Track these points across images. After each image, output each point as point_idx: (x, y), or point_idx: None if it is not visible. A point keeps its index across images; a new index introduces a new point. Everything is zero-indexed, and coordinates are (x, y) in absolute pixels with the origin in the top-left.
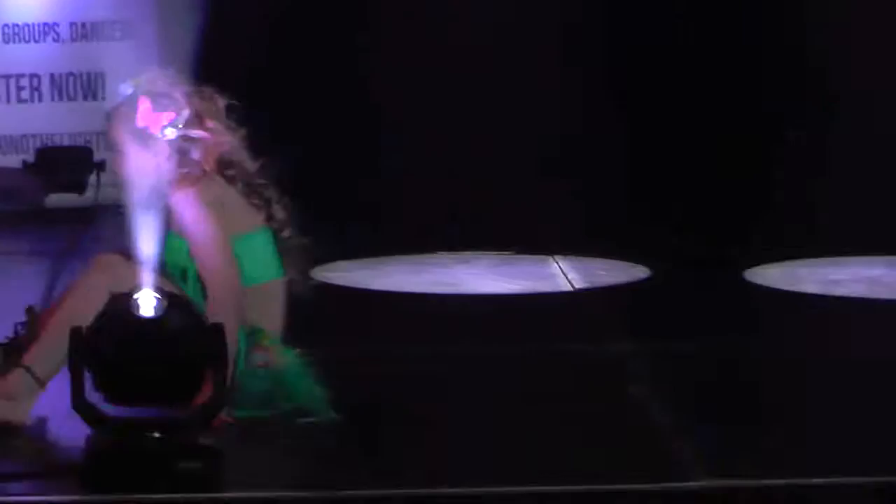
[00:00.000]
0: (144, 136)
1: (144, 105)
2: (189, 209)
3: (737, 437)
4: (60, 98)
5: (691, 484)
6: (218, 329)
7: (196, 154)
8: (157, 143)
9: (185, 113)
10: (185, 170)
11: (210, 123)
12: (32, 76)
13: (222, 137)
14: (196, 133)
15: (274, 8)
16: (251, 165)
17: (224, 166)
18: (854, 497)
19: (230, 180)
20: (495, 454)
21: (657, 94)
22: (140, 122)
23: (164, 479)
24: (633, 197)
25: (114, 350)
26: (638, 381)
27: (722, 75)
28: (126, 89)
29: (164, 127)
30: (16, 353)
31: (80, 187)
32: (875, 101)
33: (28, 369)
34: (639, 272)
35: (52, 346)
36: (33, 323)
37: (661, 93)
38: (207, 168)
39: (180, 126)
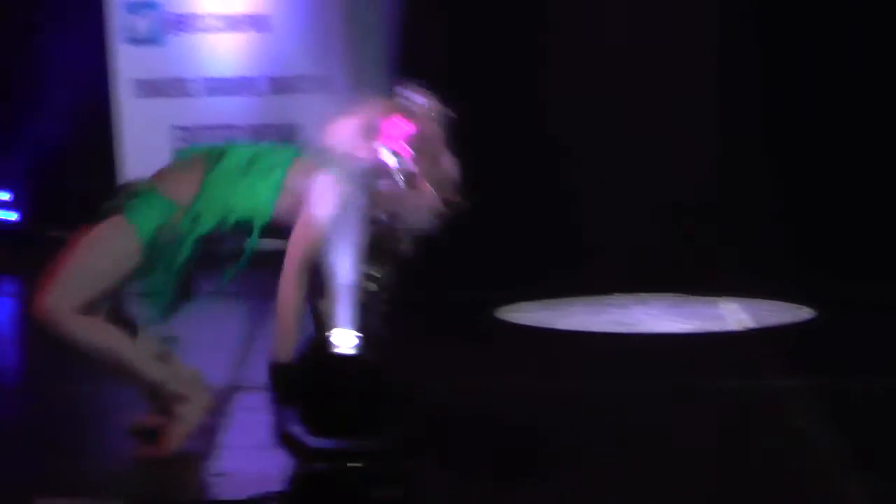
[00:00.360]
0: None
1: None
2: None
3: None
4: None
5: None
6: (403, 364)
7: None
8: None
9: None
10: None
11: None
12: (234, 126)
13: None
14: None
15: (460, 61)
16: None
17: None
18: None
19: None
20: (675, 484)
21: (821, 136)
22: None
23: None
24: (799, 240)
25: (316, 387)
26: (803, 416)
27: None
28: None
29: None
30: None
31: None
32: None
33: None
34: (804, 313)
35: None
36: None
37: (826, 135)
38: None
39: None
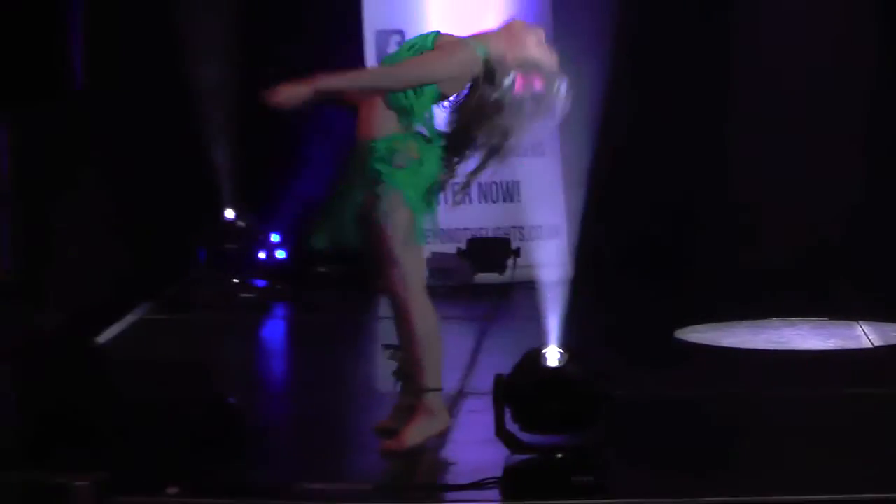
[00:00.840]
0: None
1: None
2: None
3: None
4: (486, 200)
5: None
6: (602, 377)
7: None
8: None
9: None
10: None
11: None
12: (465, 184)
13: None
14: None
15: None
16: None
17: None
18: None
19: None
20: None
21: None
22: None
23: (565, 490)
24: None
25: (530, 390)
26: None
27: None
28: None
29: None
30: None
31: (500, 268)
32: None
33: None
34: None
35: None
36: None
37: None
38: None
39: None
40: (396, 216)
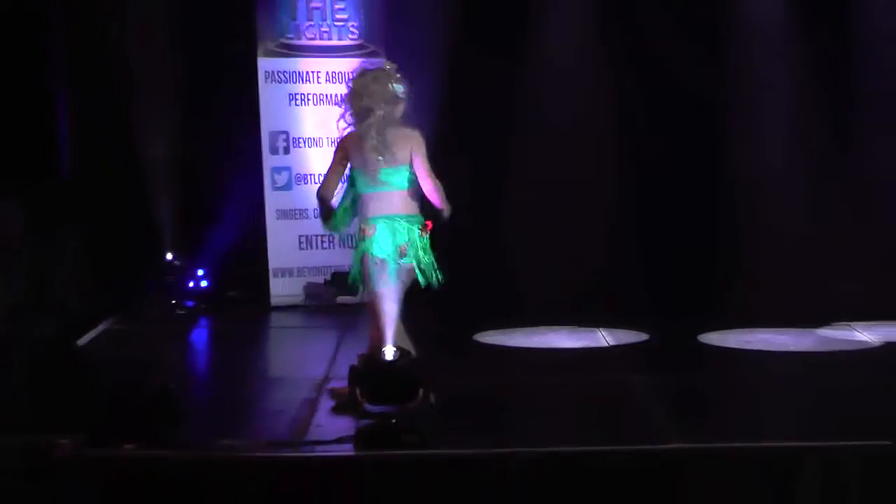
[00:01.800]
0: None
1: None
2: None
3: None
4: (343, 246)
5: None
6: (420, 365)
7: None
8: None
9: None
10: None
11: None
12: None
13: None
14: None
15: None
16: None
17: None
18: None
19: None
20: None
21: None
22: None
23: (397, 444)
24: None
25: (371, 376)
26: None
27: None
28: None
29: None
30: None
31: (354, 293)
32: None
33: None
34: None
35: None
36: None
37: None
38: None
39: None
40: None
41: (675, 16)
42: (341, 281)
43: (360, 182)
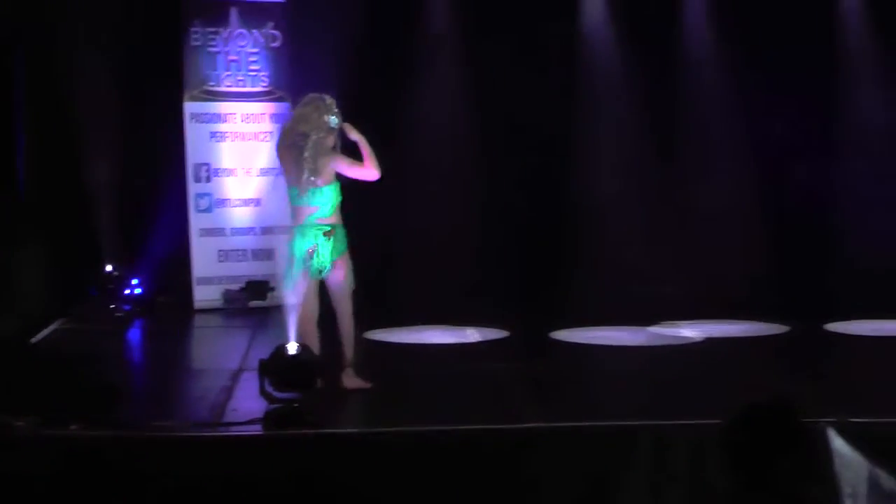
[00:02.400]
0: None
1: None
2: None
3: None
4: (256, 259)
5: None
6: (322, 360)
7: None
8: None
9: None
10: None
11: None
12: None
13: None
14: None
15: None
16: None
17: None
18: None
19: None
20: None
21: None
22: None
23: (300, 424)
24: None
25: (277, 367)
26: None
27: None
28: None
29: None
30: None
31: (263, 298)
32: None
33: None
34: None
35: None
36: None
37: None
38: None
39: None
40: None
41: (533, 60)
42: (254, 288)
43: (292, 195)
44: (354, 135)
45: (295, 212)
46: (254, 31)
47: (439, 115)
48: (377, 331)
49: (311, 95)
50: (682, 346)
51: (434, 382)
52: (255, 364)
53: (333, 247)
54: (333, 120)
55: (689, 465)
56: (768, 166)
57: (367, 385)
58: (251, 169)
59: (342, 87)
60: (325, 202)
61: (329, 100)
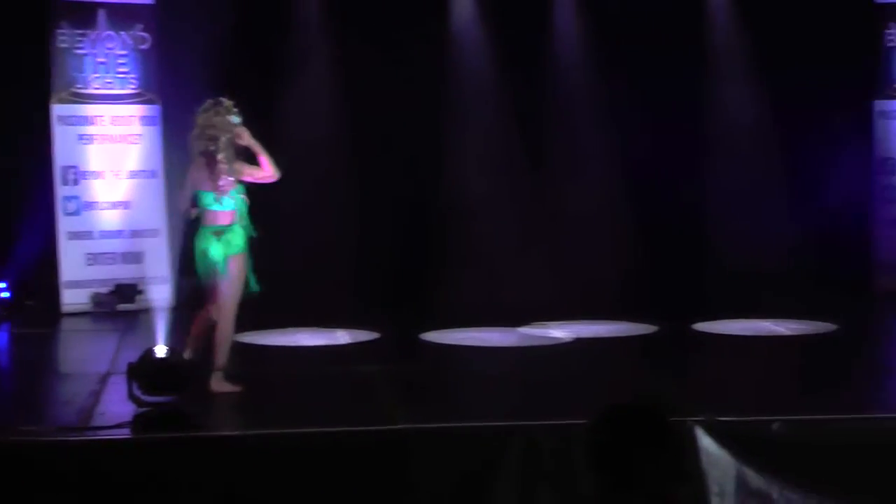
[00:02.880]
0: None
1: None
2: None
3: None
4: (126, 262)
5: None
6: (192, 363)
7: None
8: None
9: None
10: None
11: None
12: None
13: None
14: None
15: None
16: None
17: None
18: None
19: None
20: None
21: None
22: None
23: (172, 426)
24: None
25: (146, 371)
26: None
27: None
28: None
29: None
30: None
31: (132, 301)
32: None
33: None
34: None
35: None
36: None
37: None
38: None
39: None
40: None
41: (403, 61)
42: (123, 291)
43: (207, 200)
44: (247, 139)
45: (210, 216)
46: (122, 32)
47: (310, 117)
48: (248, 333)
49: (209, 101)
50: (551, 346)
51: (305, 384)
52: (124, 368)
53: (225, 247)
54: (235, 119)
55: (558, 465)
56: (638, 168)
57: (236, 389)
58: (120, 172)
59: (212, 88)
60: (235, 204)
61: (227, 102)
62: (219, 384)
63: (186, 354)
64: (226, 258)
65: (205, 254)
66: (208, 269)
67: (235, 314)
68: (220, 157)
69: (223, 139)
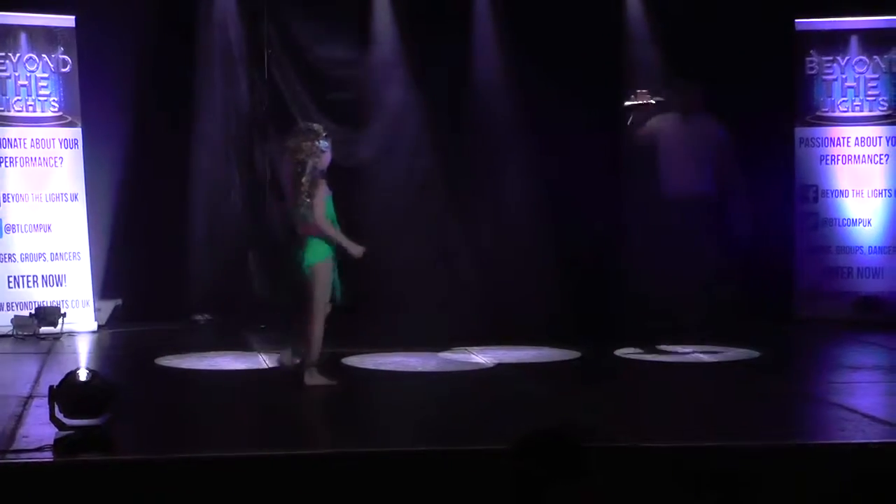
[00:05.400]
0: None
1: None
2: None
3: None
4: (46, 286)
5: None
6: (113, 386)
7: None
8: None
9: None
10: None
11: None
12: None
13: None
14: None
15: None
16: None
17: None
18: None
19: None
20: None
21: None
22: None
23: (95, 449)
24: None
25: (68, 394)
26: None
27: None
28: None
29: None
30: None
31: (54, 324)
32: None
33: None
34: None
35: None
36: None
37: None
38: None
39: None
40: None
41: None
42: (45, 314)
43: (294, 212)
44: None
45: (299, 228)
46: (43, 55)
47: (231, 135)
48: (170, 357)
49: (302, 125)
50: (473, 371)
51: (226, 409)
52: (46, 391)
53: (304, 257)
54: (324, 144)
55: (478, 491)
56: (561, 193)
57: (332, 383)
58: (41, 194)
59: (134, 110)
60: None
61: (317, 126)
62: (311, 378)
63: (288, 355)
64: (310, 265)
65: (293, 260)
66: (297, 274)
67: (324, 315)
68: (304, 179)
69: (309, 163)
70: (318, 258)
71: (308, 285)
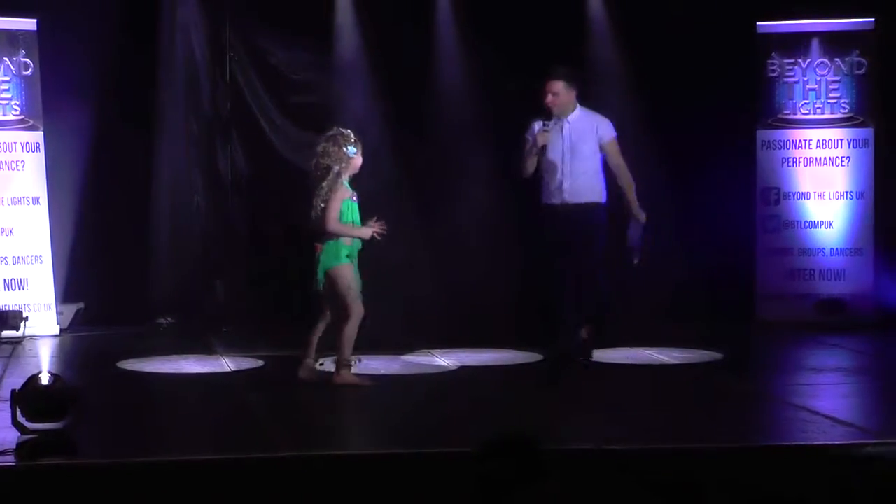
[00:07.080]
0: None
1: None
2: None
3: None
4: (9, 290)
5: None
6: (75, 389)
7: None
8: None
9: None
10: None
11: None
12: None
13: None
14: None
15: None
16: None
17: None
18: None
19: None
20: None
21: None
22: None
23: (58, 453)
24: None
25: (30, 397)
26: None
27: None
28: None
29: None
30: None
31: (17, 328)
32: None
33: None
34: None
35: None
36: None
37: None
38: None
39: None
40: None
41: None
42: (7, 318)
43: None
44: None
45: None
46: (4, 59)
47: (193, 138)
48: (132, 360)
49: (333, 130)
50: (436, 374)
51: (189, 412)
52: (8, 394)
53: (321, 260)
54: (352, 150)
55: (442, 494)
56: (525, 195)
57: (364, 382)
58: (3, 198)
59: (96, 113)
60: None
61: (346, 132)
62: (341, 377)
63: (307, 366)
64: (326, 270)
65: (315, 264)
66: (315, 285)
67: (359, 318)
68: (324, 184)
69: (335, 169)
70: (335, 262)
71: (332, 290)
